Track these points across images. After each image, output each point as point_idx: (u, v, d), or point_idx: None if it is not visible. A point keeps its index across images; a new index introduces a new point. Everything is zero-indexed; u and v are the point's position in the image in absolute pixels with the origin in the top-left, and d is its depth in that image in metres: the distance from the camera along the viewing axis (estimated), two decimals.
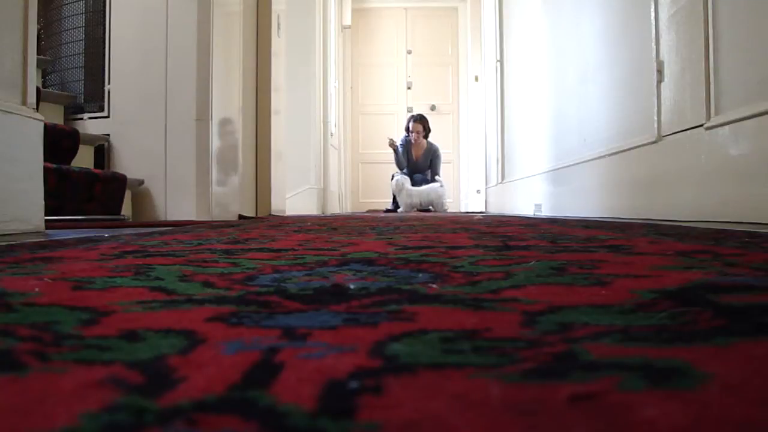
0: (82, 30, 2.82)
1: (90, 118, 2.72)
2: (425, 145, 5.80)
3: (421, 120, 5.79)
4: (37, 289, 0.46)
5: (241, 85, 3.03)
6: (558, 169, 3.10)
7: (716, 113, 1.57)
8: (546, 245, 0.87)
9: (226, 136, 2.75)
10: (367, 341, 0.30)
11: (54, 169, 2.07)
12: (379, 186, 7.11)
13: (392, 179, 5.52)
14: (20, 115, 1.41)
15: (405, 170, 5.68)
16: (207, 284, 0.50)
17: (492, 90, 5.07)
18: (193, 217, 2.51)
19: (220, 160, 2.66)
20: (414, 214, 4.74)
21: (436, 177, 5.66)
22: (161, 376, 0.24)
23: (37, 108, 1.52)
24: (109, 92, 2.68)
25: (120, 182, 2.44)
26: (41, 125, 1.49)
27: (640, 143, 2.04)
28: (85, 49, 2.81)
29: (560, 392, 0.22)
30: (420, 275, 0.54)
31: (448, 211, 5.81)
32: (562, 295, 0.42)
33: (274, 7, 3.42)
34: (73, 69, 2.85)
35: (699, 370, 0.24)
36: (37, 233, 1.41)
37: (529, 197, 3.72)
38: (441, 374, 0.24)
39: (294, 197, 4.24)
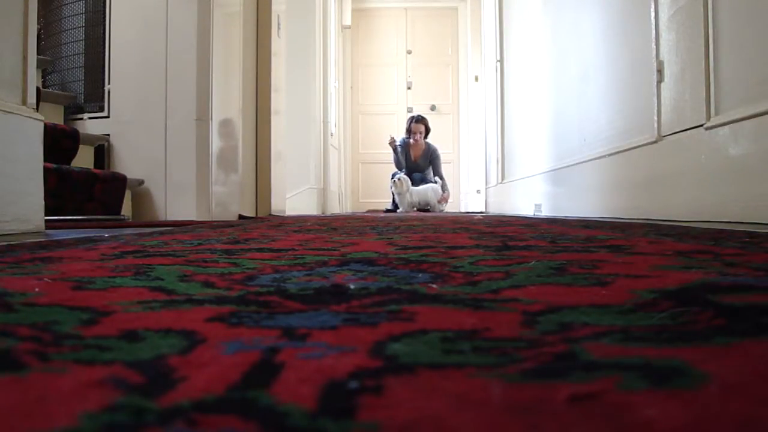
0: (82, 30, 2.82)
1: (90, 118, 2.72)
2: (424, 146, 5.80)
3: (422, 120, 5.79)
4: (37, 289, 0.46)
5: (241, 86, 3.03)
6: (558, 169, 3.10)
7: (716, 113, 1.57)
8: (546, 245, 0.87)
9: (226, 136, 2.75)
10: (367, 341, 0.30)
11: (54, 169, 2.07)
12: (379, 186, 7.10)
13: (392, 178, 5.52)
14: (20, 115, 1.41)
15: (404, 170, 5.69)
16: (207, 284, 0.50)
17: (492, 90, 5.07)
18: (193, 217, 2.51)
19: (220, 160, 2.66)
20: (414, 213, 4.74)
21: (436, 178, 5.66)
22: (161, 376, 0.24)
23: (37, 108, 1.52)
24: (109, 92, 2.68)
25: (120, 182, 2.43)
26: (41, 125, 1.49)
27: (640, 143, 2.04)
28: (85, 49, 2.81)
29: (560, 392, 0.22)
30: (420, 275, 0.54)
31: (447, 210, 5.81)
32: (562, 295, 0.42)
33: (274, 7, 3.42)
34: (73, 69, 2.84)
35: (699, 370, 0.24)
36: (37, 233, 1.41)
37: (529, 197, 3.72)
38: (441, 374, 0.24)
39: (294, 197, 4.24)
